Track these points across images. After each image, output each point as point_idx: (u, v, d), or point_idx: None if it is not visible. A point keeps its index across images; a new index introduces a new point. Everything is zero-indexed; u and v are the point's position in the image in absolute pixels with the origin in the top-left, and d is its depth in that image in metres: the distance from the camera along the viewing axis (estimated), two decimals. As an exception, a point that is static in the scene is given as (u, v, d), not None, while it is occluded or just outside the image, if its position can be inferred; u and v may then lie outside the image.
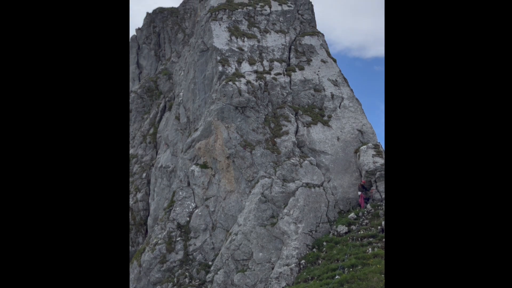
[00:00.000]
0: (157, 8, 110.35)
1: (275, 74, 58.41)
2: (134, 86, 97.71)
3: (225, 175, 52.19)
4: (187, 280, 48.28)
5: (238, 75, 56.04)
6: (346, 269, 36.50)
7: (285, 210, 44.94)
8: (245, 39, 62.30)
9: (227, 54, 59.08)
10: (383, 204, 43.89)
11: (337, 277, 35.64)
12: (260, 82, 55.92)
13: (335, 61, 63.56)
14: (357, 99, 58.23)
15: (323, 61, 62.34)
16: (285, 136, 51.67)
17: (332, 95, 57.59)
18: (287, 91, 57.11)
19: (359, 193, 47.21)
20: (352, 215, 44.90)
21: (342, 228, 43.31)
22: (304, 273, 39.39)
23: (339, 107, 56.62)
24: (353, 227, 43.30)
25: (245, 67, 58.44)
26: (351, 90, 59.35)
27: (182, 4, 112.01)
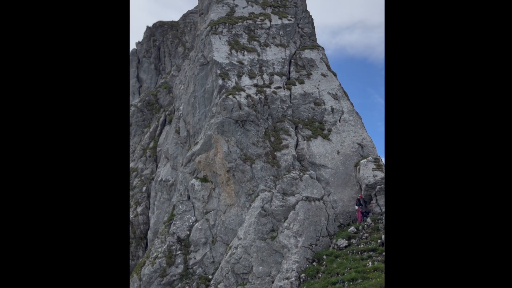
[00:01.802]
0: (157, 22, 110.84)
1: (275, 88, 58.52)
2: (134, 100, 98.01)
3: (225, 188, 52.21)
4: (187, 293, 48.28)
5: (238, 88, 56.14)
6: (346, 282, 36.44)
7: (285, 224, 44.92)
8: (245, 52, 62.44)
9: (227, 68, 59.19)
10: (383, 217, 43.88)
11: (337, 291, 35.62)
12: (260, 96, 56.00)
13: (335, 74, 63.74)
14: (357, 112, 58.33)
15: (323, 75, 62.50)
16: (285, 149, 51.72)
17: (332, 109, 57.68)
18: (287, 105, 57.20)
19: (356, 207, 47.22)
20: (352, 228, 44.87)
21: (342, 242, 43.27)
22: (304, 287, 39.31)
23: (339, 120, 56.70)
24: (353, 240, 43.27)
25: (245, 80, 58.55)
26: (351, 103, 59.47)
27: (182, 18, 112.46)
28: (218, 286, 45.38)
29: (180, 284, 49.80)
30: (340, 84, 61.84)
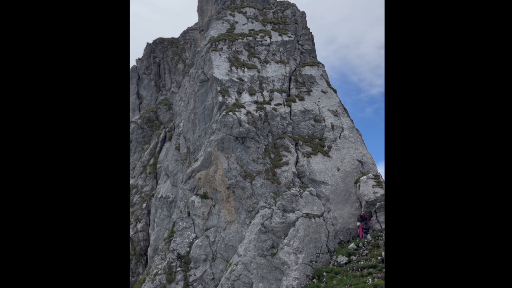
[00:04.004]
0: (158, 39, 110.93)
1: (275, 105, 58.52)
2: (134, 117, 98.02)
3: (225, 205, 52.14)
4: (187, 310, 48.14)
5: (238, 105, 56.13)
6: (346, 299, 36.38)
7: (285, 241, 44.82)
8: (245, 69, 62.49)
9: (227, 85, 59.21)
10: (383, 234, 43.83)
11: (337, 307, 35.53)
12: (260, 113, 56.00)
13: (335, 91, 63.78)
14: (357, 129, 58.34)
15: (323, 92, 62.51)
16: (285, 166, 51.66)
17: (332, 126, 57.70)
18: (287, 122, 57.22)
19: (358, 223, 47.11)
20: (352, 245, 44.77)
21: (342, 259, 43.17)
22: (305, 304, 39.28)
23: (339, 137, 56.68)
24: (353, 257, 43.17)
25: (245, 97, 58.55)
26: (351, 120, 59.47)
27: (182, 35, 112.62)
28: (218, 303, 45.33)
29: (180, 301, 49.73)
30: (340, 101, 61.88)
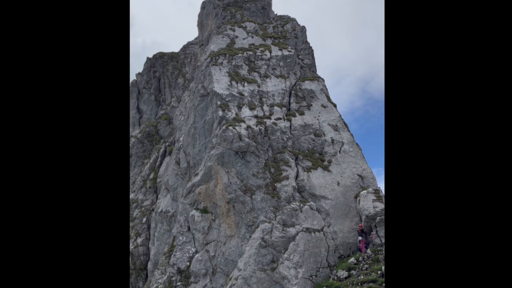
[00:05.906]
0: (158, 53, 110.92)
1: (275, 119, 58.53)
2: (134, 131, 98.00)
3: (225, 219, 52.10)
4: (187, 325, 48.03)
5: (238, 120, 56.15)
6: (346, 314, 36.32)
7: (285, 255, 44.76)
8: (245, 84, 62.51)
9: (227, 99, 59.23)
10: (383, 249, 43.78)
11: (337, 322, 35.46)
12: (260, 127, 56.00)
13: (335, 105, 63.79)
14: (357, 144, 58.32)
15: (323, 106, 62.54)
16: (285, 181, 51.62)
17: (332, 140, 57.69)
18: (287, 136, 57.21)
19: (360, 238, 47.05)
20: (352, 260, 44.70)
21: (342, 273, 43.09)
22: (305, 319, 39.19)
23: (339, 152, 56.66)
24: (353, 272, 43.09)
25: (245, 112, 58.57)
26: (351, 135, 59.47)
27: (183, 49, 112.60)
28: (218, 317, 45.21)
29: (180, 316, 49.64)
30: (340, 115, 61.91)
